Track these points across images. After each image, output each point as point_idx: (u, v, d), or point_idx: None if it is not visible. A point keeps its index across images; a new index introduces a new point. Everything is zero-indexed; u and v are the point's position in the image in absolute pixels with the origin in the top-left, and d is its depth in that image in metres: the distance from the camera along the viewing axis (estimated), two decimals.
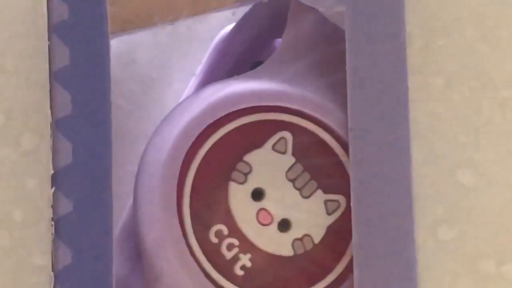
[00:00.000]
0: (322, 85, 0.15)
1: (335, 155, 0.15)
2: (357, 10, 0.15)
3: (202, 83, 0.17)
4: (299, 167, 0.15)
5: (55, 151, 0.14)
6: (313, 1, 0.14)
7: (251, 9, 0.17)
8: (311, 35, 0.15)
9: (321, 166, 0.15)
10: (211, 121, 0.14)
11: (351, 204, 0.14)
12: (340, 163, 0.15)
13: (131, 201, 0.15)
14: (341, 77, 0.15)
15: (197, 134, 0.14)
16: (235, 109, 0.14)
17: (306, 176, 0.15)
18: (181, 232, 0.14)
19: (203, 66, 0.18)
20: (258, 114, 0.14)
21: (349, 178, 0.15)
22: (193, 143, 0.14)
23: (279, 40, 0.17)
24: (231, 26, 0.18)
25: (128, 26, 0.16)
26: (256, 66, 0.17)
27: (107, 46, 0.14)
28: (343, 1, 0.14)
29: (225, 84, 0.14)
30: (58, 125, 0.14)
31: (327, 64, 0.15)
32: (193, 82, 0.18)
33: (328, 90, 0.15)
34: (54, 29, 0.14)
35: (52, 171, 0.14)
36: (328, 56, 0.15)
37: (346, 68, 0.15)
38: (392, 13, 0.14)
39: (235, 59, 0.18)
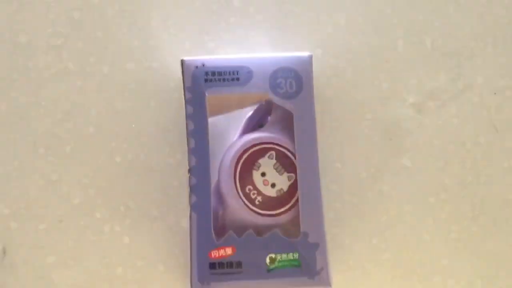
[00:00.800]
0: (286, 133, 0.39)
1: (290, 159, 0.39)
2: (296, 108, 0.38)
3: (241, 133, 0.41)
4: (278, 164, 0.38)
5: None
6: (282, 104, 0.38)
7: (258, 106, 0.41)
8: (282, 116, 0.39)
9: (285, 163, 0.38)
10: (246, 147, 0.38)
11: (297, 177, 0.38)
12: (292, 162, 0.39)
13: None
14: (292, 132, 0.38)
15: (241, 152, 0.38)
16: (254, 143, 0.38)
17: (280, 167, 0.38)
18: (235, 188, 0.38)
19: (241, 127, 0.42)
20: (263, 145, 0.38)
21: (295, 167, 0.38)
22: (239, 155, 0.38)
23: (269, 117, 0.41)
24: (250, 112, 0.42)
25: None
26: (260, 126, 0.42)
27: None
28: (292, 105, 0.38)
29: (249, 135, 0.39)
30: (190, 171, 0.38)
31: (288, 127, 0.39)
32: (238, 131, 0.42)
33: (288, 134, 0.39)
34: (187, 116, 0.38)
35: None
36: (287, 124, 0.39)
37: (294, 128, 0.38)
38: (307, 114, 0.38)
39: (253, 122, 0.42)
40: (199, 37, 0.46)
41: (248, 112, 0.41)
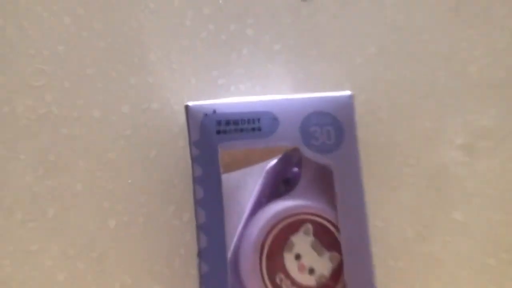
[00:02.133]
0: (322, 197, 0.25)
1: (332, 233, 0.25)
2: (336, 164, 0.25)
3: (262, 191, 0.28)
4: (316, 241, 0.25)
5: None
6: (319, 160, 0.25)
7: (282, 155, 0.27)
8: (315, 175, 0.25)
9: (326, 239, 0.25)
10: (274, 222, 0.24)
11: (342, 257, 0.24)
12: (335, 237, 0.25)
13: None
14: (332, 196, 0.25)
15: (267, 230, 0.24)
16: (284, 216, 0.25)
17: (320, 245, 0.25)
18: (262, 280, 0.24)
19: (260, 183, 0.28)
20: (295, 216, 0.25)
21: (339, 244, 0.25)
22: (265, 235, 0.25)
23: (295, 169, 0.27)
24: (272, 163, 0.28)
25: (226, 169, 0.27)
26: (286, 182, 0.28)
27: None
28: (331, 160, 0.25)
29: (276, 204, 0.25)
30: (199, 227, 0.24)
31: (325, 188, 0.25)
32: (257, 189, 0.28)
33: (326, 201, 0.25)
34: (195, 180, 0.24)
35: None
36: (324, 184, 0.25)
37: (335, 192, 0.25)
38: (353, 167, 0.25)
39: (274, 177, 0.28)
40: (206, 72, 0.32)
41: (269, 163, 0.28)
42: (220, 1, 0.34)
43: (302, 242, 0.25)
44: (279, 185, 0.29)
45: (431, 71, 0.35)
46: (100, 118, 0.33)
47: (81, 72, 0.33)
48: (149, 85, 0.33)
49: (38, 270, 0.31)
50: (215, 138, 0.25)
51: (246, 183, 0.30)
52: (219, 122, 0.26)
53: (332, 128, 0.26)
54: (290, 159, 0.28)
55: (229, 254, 0.25)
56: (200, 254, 0.24)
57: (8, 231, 0.31)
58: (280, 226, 0.25)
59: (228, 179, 0.29)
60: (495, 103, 0.35)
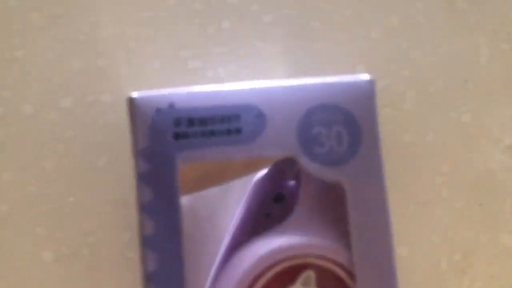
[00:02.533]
0: (329, 233, 0.18)
1: (344, 282, 0.18)
2: (351, 181, 0.17)
3: (246, 215, 0.20)
4: None
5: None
6: (324, 175, 0.17)
7: (273, 164, 0.20)
8: (320, 196, 0.18)
9: None
10: (259, 271, 0.17)
11: None
12: (347, 286, 0.18)
13: None
14: (343, 226, 0.17)
15: (248, 283, 0.17)
16: (275, 260, 0.17)
17: None
18: None
19: (244, 203, 0.21)
20: (290, 261, 0.17)
21: None
22: (249, 285, 0.17)
23: (292, 182, 0.20)
24: (259, 174, 0.21)
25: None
26: (278, 199, 0.20)
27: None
28: (343, 175, 0.17)
29: (267, 241, 0.17)
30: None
31: (333, 219, 0.18)
32: (239, 212, 0.21)
33: (334, 236, 0.18)
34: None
35: None
36: (331, 214, 0.18)
37: (349, 220, 0.17)
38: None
39: (263, 194, 0.21)
40: (173, 52, 0.25)
41: (253, 179, 0.20)
42: None
43: None
44: (270, 205, 0.22)
45: (472, 49, 0.27)
46: (32, 115, 0.25)
47: (7, 54, 0.26)
48: (98, 70, 0.26)
49: None
50: (172, 145, 0.17)
51: (225, 205, 0.23)
52: (178, 121, 0.17)
53: (344, 129, 0.18)
54: (283, 171, 0.21)
55: None
56: None
57: None
58: (268, 275, 0.17)
59: (198, 200, 0.22)
60: None
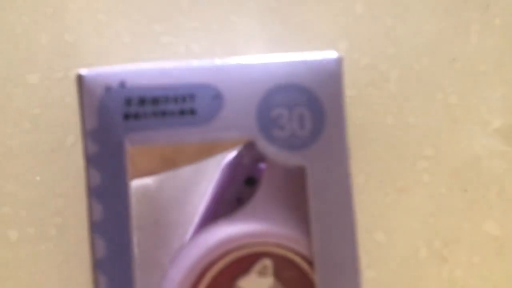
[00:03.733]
0: (289, 220, 0.17)
1: (304, 272, 0.17)
2: (312, 166, 0.16)
3: (214, 198, 0.19)
4: (277, 285, 0.17)
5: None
6: (284, 160, 0.17)
7: (242, 146, 0.19)
8: (280, 181, 0.17)
9: (294, 282, 0.17)
10: (210, 260, 0.16)
11: None
12: (308, 278, 0.17)
13: None
14: (303, 213, 0.16)
15: (199, 271, 0.16)
16: (227, 249, 0.16)
17: None
18: None
19: (213, 186, 0.20)
20: (244, 249, 0.16)
21: (314, 285, 0.16)
22: (197, 277, 0.16)
23: (262, 164, 0.19)
24: (229, 157, 0.20)
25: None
26: (249, 181, 0.20)
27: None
28: (305, 160, 0.16)
29: (218, 229, 0.17)
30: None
31: (296, 206, 0.17)
32: (208, 195, 0.20)
33: (294, 223, 0.17)
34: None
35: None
36: (291, 201, 0.17)
37: (309, 207, 0.16)
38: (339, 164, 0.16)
39: (234, 175, 0.20)
40: (145, 25, 0.24)
41: (223, 160, 0.19)
42: None
43: (255, 287, 0.17)
44: (241, 188, 0.21)
45: (461, 25, 0.26)
46: None
47: None
48: (66, 45, 0.25)
49: None
50: (122, 126, 0.17)
51: (194, 189, 0.22)
52: (128, 101, 0.16)
53: (307, 111, 0.17)
54: (253, 153, 0.20)
55: None
56: None
57: None
58: (220, 264, 0.16)
59: (165, 183, 0.21)
60: None
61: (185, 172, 0.22)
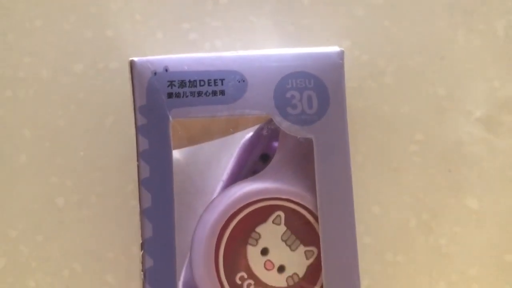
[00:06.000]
0: (300, 180, 0.21)
1: (309, 223, 0.21)
2: (318, 138, 0.21)
3: (234, 169, 0.23)
4: (288, 232, 0.21)
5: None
6: (296, 133, 0.21)
7: (257, 129, 0.23)
8: (293, 152, 0.21)
9: (301, 230, 0.21)
10: (234, 210, 0.20)
11: (321, 252, 0.20)
12: (313, 228, 0.21)
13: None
14: (310, 176, 0.20)
15: (226, 218, 0.20)
16: (248, 201, 0.20)
17: (293, 237, 0.21)
18: (216, 277, 0.20)
19: (233, 159, 0.24)
20: (263, 202, 0.21)
21: (319, 236, 0.20)
22: (224, 223, 0.20)
23: (275, 143, 0.23)
24: (248, 135, 0.24)
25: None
26: (264, 158, 0.24)
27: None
28: (312, 133, 0.20)
29: (241, 186, 0.21)
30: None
31: (302, 171, 0.21)
32: (229, 167, 0.24)
33: (304, 184, 0.21)
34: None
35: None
36: (302, 164, 0.21)
37: (315, 171, 0.20)
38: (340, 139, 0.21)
39: (250, 153, 0.24)
40: (175, 24, 0.28)
41: (242, 139, 0.23)
42: None
43: (271, 233, 0.21)
44: (256, 163, 0.25)
45: (449, 27, 0.30)
46: (49, 79, 0.29)
47: (27, 24, 0.29)
48: (107, 40, 0.29)
49: None
50: (166, 103, 0.21)
51: (219, 159, 0.26)
52: (171, 83, 0.21)
53: (315, 94, 0.21)
54: (266, 134, 0.24)
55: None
56: (144, 245, 0.20)
57: None
58: (243, 213, 0.20)
59: (195, 153, 0.25)
60: None
61: (209, 147, 0.26)
